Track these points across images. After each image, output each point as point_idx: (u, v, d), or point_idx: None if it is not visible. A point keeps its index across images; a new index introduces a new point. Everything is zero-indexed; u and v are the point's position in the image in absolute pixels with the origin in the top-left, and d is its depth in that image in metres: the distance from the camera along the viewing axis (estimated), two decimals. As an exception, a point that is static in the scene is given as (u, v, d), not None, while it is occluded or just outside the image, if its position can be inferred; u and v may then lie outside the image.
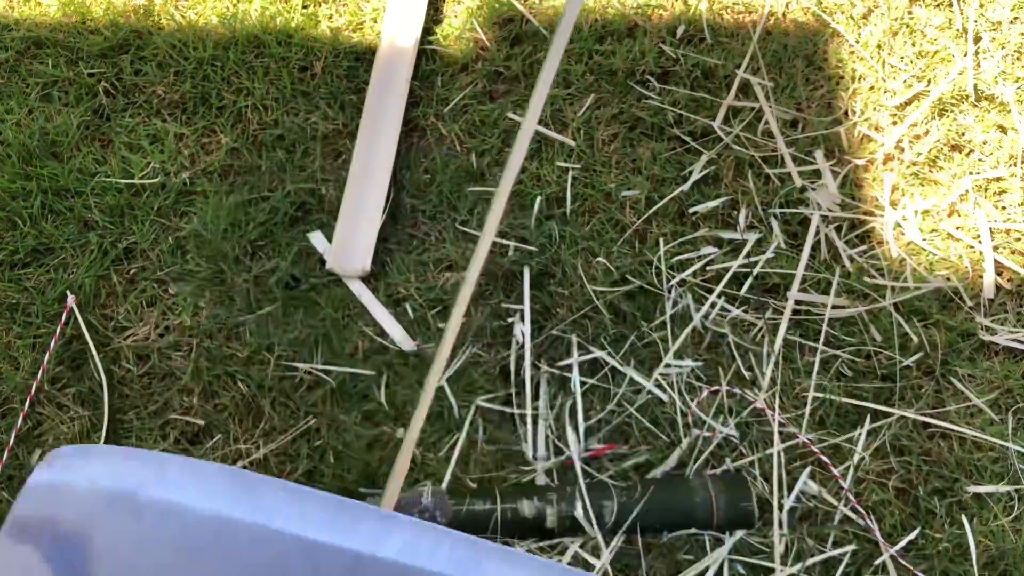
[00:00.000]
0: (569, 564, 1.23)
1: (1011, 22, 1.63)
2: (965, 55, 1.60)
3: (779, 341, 1.39)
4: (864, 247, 1.47)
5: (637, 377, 1.36)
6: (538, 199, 1.48)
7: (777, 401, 1.35)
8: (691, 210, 1.49)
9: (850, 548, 1.26)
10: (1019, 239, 1.48)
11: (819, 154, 1.53)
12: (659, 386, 1.36)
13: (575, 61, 1.60)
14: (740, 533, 1.26)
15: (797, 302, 1.42)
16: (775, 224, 1.48)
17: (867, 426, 1.34)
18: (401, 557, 0.71)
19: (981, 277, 1.45)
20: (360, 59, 1.61)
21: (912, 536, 1.27)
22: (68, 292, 1.42)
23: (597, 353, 1.38)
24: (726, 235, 1.47)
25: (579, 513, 1.24)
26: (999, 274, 1.45)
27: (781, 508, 1.28)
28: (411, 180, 1.52)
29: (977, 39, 1.62)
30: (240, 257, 1.45)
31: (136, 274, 1.46)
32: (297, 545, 0.71)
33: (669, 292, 1.42)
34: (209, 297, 1.42)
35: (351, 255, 1.43)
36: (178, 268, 1.45)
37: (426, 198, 1.50)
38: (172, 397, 1.37)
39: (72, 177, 1.51)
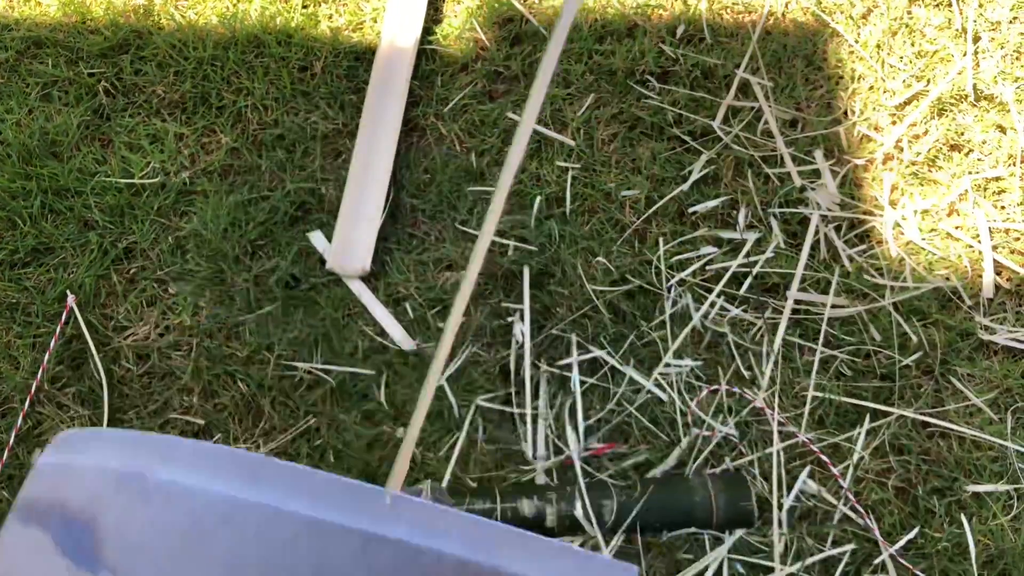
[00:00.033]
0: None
1: (1010, 22, 1.63)
2: (964, 55, 1.60)
3: (778, 340, 1.39)
4: (863, 247, 1.47)
5: (637, 376, 1.36)
6: (538, 199, 1.48)
7: (776, 400, 1.35)
8: (691, 210, 1.49)
9: (849, 547, 1.26)
10: (1018, 239, 1.48)
11: (818, 154, 1.54)
12: (659, 385, 1.36)
13: (575, 61, 1.60)
14: (739, 532, 1.26)
15: (796, 301, 1.42)
16: (774, 224, 1.48)
17: (866, 425, 1.34)
18: (412, 538, 0.70)
19: (980, 276, 1.45)
20: (360, 59, 1.61)
21: (911, 535, 1.27)
22: (68, 292, 1.42)
23: (597, 352, 1.38)
24: (725, 235, 1.47)
25: (579, 512, 1.24)
26: (998, 273, 1.45)
27: (780, 507, 1.28)
28: (411, 180, 1.52)
29: (976, 39, 1.62)
30: (240, 257, 1.45)
31: (136, 274, 1.46)
32: (307, 526, 0.70)
33: (669, 291, 1.42)
34: (209, 297, 1.43)
35: (351, 255, 1.43)
36: (178, 268, 1.45)
37: (426, 198, 1.50)
38: (172, 396, 1.37)
39: (72, 177, 1.51)
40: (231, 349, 1.39)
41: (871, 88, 1.59)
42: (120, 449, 0.75)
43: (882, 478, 1.32)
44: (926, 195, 1.51)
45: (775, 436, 1.32)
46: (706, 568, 1.24)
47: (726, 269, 1.44)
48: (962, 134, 1.55)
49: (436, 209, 1.49)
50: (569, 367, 1.37)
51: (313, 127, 1.55)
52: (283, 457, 1.32)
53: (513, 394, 1.36)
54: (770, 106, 1.56)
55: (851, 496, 1.29)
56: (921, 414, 1.35)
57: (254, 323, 1.40)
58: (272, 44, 1.60)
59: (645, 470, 1.31)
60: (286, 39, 1.61)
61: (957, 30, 1.63)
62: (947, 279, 1.44)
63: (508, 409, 1.35)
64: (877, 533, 1.27)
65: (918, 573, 1.25)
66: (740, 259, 1.45)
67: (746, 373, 1.38)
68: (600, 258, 1.44)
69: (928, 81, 1.59)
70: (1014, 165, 1.52)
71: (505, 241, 1.45)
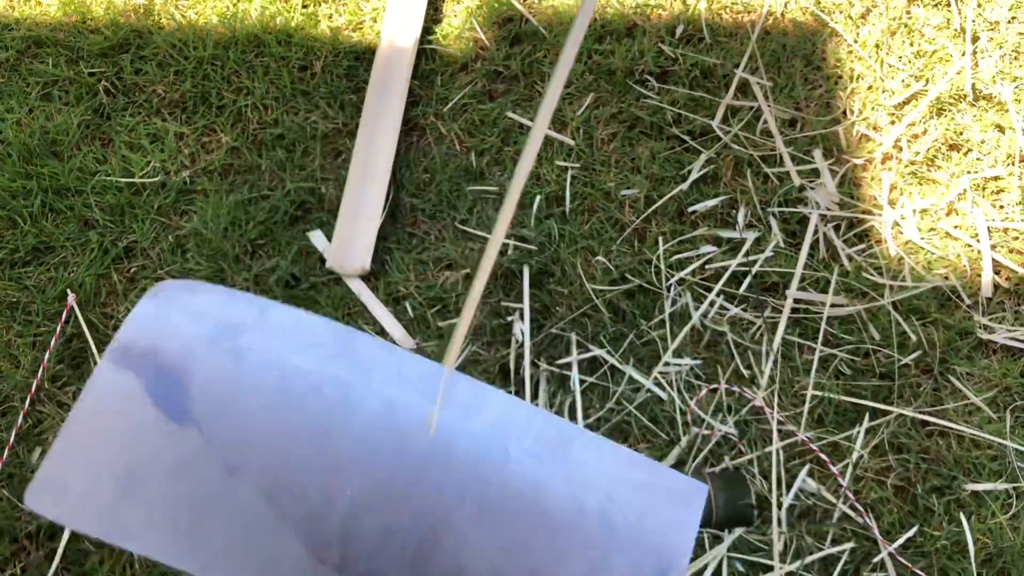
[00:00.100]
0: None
1: (1009, 22, 1.64)
2: (963, 55, 1.61)
3: (778, 339, 1.39)
4: (862, 246, 1.47)
5: (636, 375, 1.37)
6: (537, 198, 1.49)
7: (776, 399, 1.36)
8: (690, 209, 1.49)
9: (849, 546, 1.27)
10: (1017, 238, 1.48)
11: (818, 153, 1.54)
12: (658, 384, 1.36)
13: (574, 60, 1.60)
14: (739, 531, 1.27)
15: (796, 301, 1.42)
16: (774, 223, 1.48)
17: (866, 424, 1.34)
18: (492, 429, 0.71)
19: (979, 276, 1.45)
20: (360, 58, 1.61)
21: (910, 534, 1.27)
22: (68, 291, 1.42)
23: (596, 351, 1.38)
24: (725, 234, 1.47)
25: (578, 511, 1.24)
26: (997, 273, 1.45)
27: (780, 506, 1.28)
28: (411, 179, 1.52)
29: (975, 39, 1.62)
30: (240, 256, 1.45)
31: (136, 273, 1.46)
32: (390, 409, 0.71)
33: (668, 291, 1.43)
34: (209, 296, 1.43)
35: (351, 254, 1.43)
36: (178, 267, 1.45)
37: (426, 197, 1.50)
38: (172, 395, 1.37)
39: (72, 176, 1.51)
40: (231, 348, 1.39)
41: (870, 88, 1.59)
42: (216, 304, 0.75)
43: (881, 477, 1.32)
44: (925, 194, 1.51)
45: (774, 435, 1.32)
46: (705, 566, 1.24)
47: (725, 268, 1.44)
48: (961, 134, 1.55)
49: (436, 208, 1.49)
50: (569, 366, 1.37)
51: (313, 127, 1.55)
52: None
53: (513, 393, 1.36)
54: (769, 106, 1.57)
55: (850, 495, 1.29)
56: (920, 413, 1.35)
57: (254, 322, 1.40)
58: (272, 44, 1.61)
59: (645, 469, 1.31)
60: (286, 39, 1.62)
61: (956, 30, 1.63)
62: (946, 278, 1.44)
63: (508, 408, 1.35)
64: (876, 531, 1.27)
65: (917, 571, 1.25)
66: (739, 258, 1.45)
67: (745, 372, 1.38)
68: (600, 257, 1.45)
69: (927, 81, 1.59)
70: (1013, 165, 1.53)
71: (505, 240, 1.45)
